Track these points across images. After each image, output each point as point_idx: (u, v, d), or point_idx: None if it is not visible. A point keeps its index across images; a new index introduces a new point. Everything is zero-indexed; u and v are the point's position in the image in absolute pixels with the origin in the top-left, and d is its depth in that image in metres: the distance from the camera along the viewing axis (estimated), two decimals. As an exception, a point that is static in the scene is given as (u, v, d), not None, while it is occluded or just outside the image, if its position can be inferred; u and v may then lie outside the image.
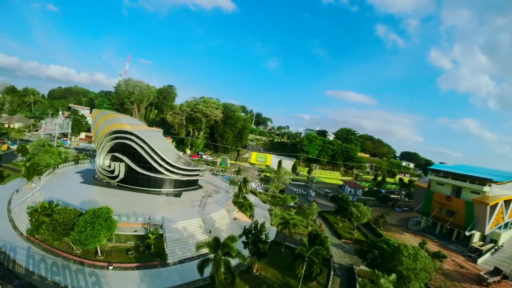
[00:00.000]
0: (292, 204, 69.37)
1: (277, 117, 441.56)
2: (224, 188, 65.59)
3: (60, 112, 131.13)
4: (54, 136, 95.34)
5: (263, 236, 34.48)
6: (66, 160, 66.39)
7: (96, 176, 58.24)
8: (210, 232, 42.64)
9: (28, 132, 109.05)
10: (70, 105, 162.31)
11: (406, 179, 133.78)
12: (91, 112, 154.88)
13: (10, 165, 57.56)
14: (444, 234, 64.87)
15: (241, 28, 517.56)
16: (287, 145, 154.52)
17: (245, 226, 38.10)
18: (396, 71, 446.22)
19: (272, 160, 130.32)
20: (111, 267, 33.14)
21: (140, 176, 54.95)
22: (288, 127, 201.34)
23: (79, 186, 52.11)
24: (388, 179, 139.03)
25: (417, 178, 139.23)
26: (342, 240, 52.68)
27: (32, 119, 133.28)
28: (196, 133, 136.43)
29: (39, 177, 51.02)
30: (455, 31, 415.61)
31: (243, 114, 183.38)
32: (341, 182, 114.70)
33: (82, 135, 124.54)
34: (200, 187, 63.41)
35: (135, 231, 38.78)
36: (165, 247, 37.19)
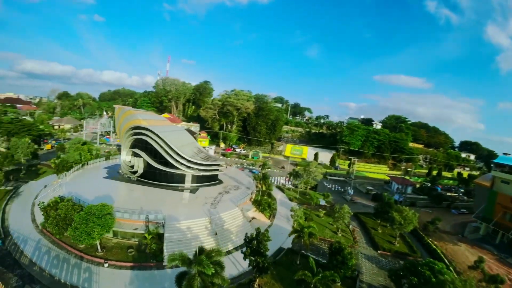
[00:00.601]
0: (323, 203, 60.87)
1: (321, 107, 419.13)
2: (247, 183, 60.95)
3: (104, 113, 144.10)
4: (98, 134, 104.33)
5: (263, 248, 28.09)
6: (98, 156, 69.94)
7: (120, 171, 59.87)
8: (216, 234, 38.41)
9: (75, 132, 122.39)
10: (114, 105, 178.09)
11: (465, 173, 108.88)
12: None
13: (49, 163, 63.05)
14: (506, 244, 49.22)
15: (278, 17, 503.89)
16: (325, 136, 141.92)
17: (245, 234, 32.20)
18: (451, 50, 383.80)
19: (308, 152, 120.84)
20: (106, 265, 32.55)
21: (157, 171, 54.30)
22: (327, 116, 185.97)
23: (100, 181, 53.75)
24: (445, 173, 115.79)
25: (478, 173, 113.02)
26: (379, 251, 42.78)
27: (81, 120, 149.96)
28: (229, 126, 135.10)
29: (65, 173, 53.91)
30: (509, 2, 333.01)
31: (279, 105, 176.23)
32: (387, 178, 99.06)
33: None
34: (220, 182, 60.11)
35: (136, 229, 37.22)
36: (163, 248, 34.55)
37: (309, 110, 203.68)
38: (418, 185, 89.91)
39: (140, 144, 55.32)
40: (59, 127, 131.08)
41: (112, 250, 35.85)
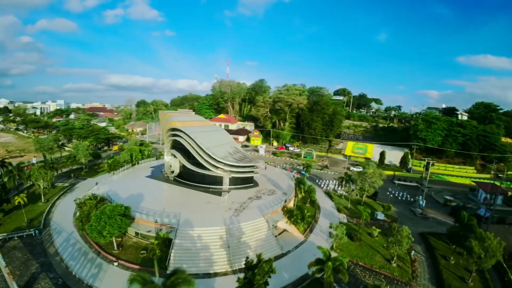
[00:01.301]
0: (382, 217, 48.35)
1: (394, 97, 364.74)
2: (286, 188, 54.01)
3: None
4: (160, 136, 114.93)
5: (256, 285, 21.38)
6: (150, 156, 75.19)
7: (162, 171, 62.23)
8: (229, 247, 33.56)
9: (142, 134, 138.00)
10: (178, 110, 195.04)
11: None
12: (195, 114, 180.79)
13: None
14: None
15: (340, 3, 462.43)
16: (396, 131, 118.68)
17: (246, 258, 25.90)
18: None
19: (374, 151, 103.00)
20: (116, 263, 32.92)
21: (191, 172, 54.10)
22: (399, 107, 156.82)
23: (140, 180, 56.96)
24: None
25: None
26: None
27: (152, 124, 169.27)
28: (281, 124, 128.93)
29: (113, 172, 59.16)
30: None
31: (340, 97, 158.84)
32: (473, 183, 73.73)
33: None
34: (256, 185, 55.57)
35: (149, 231, 36.51)
36: (171, 255, 32.47)
37: (377, 101, 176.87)
38: (510, 193, 63.77)
39: (177, 145, 56.30)
40: (132, 130, 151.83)
41: (128, 249, 36.31)
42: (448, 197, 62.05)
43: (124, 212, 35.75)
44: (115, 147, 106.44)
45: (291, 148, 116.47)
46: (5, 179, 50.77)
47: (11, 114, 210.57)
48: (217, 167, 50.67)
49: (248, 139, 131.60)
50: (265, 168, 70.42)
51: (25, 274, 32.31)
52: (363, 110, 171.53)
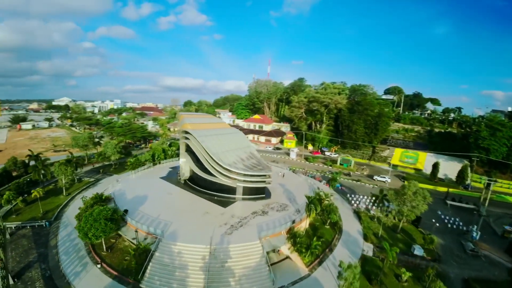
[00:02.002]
0: (420, 252, 37.68)
1: (456, 98, 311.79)
2: (302, 203, 46.82)
3: None
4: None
5: None
6: (173, 156, 75.77)
7: (177, 173, 61.31)
8: (208, 271, 28.98)
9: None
10: (216, 109, 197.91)
11: None
12: (232, 114, 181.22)
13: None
14: None
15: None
16: (455, 137, 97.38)
17: None
18: None
19: (426, 161, 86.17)
20: (99, 266, 32.67)
21: (200, 177, 51.88)
22: (459, 109, 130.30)
23: (152, 181, 57.39)
24: None
25: None
26: None
27: None
28: (317, 126, 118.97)
29: (132, 171, 62.33)
30: None
31: (391, 97, 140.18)
32: None
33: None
34: (268, 196, 49.98)
35: (134, 238, 34.92)
36: (148, 267, 30.28)
37: (434, 101, 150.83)
38: None
39: (188, 148, 54.84)
40: (174, 129, 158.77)
41: (116, 253, 35.55)
42: (508, 227, 46.40)
43: (111, 216, 35.03)
44: (150, 145, 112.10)
45: (327, 153, 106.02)
46: (32, 173, 55.32)
47: (69, 112, 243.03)
48: (223, 174, 46.73)
49: (282, 142, 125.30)
50: (283, 176, 63.87)
51: (22, 261, 35.10)
52: (416, 112, 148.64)
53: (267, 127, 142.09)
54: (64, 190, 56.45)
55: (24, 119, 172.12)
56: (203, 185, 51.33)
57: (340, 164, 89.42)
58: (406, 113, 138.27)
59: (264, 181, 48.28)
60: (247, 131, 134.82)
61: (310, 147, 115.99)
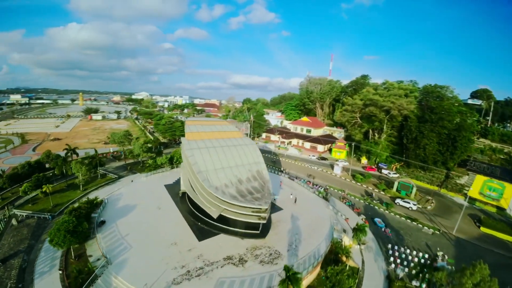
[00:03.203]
0: None
1: None
2: (308, 255, 35.26)
3: (252, 116, 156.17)
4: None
5: None
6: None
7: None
8: None
9: None
10: (265, 109, 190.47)
11: None
12: (281, 114, 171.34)
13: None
14: None
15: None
16: None
17: None
18: None
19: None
20: (60, 272, 31.98)
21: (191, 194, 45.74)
22: None
23: (153, 188, 56.17)
24: None
25: None
26: None
27: (245, 122, 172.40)
28: (376, 135, 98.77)
29: (145, 174, 64.20)
30: None
31: (478, 101, 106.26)
32: None
33: (264, 135, 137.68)
34: (262, 235, 39.04)
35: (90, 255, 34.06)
36: None
37: None
38: None
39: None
40: None
41: (83, 262, 33.95)
42: None
43: (74, 228, 33.44)
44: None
45: (385, 171, 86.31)
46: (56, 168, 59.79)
47: (140, 105, 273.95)
48: (206, 198, 39.57)
49: (330, 151, 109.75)
50: (295, 201, 52.21)
51: (14, 249, 37.85)
52: (508, 125, 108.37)
53: (316, 132, 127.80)
54: (81, 186, 59.12)
55: (96, 111, 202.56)
56: (192, 205, 45.64)
57: (397, 190, 69.74)
58: (496, 125, 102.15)
59: (257, 216, 37.42)
60: (292, 135, 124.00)
61: (364, 160, 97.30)
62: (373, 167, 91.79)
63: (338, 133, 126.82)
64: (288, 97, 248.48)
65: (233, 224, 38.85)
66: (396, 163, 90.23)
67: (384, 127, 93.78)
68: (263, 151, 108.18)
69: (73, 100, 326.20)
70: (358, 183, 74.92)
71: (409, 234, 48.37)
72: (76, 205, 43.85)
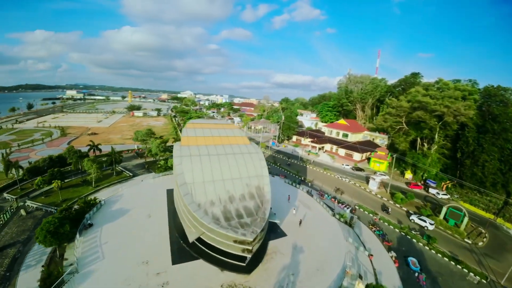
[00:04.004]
0: None
1: None
2: None
3: (283, 117, 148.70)
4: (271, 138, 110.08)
5: None
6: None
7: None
8: None
9: (257, 132, 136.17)
10: (299, 110, 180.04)
11: None
12: (316, 115, 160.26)
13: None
14: None
15: None
16: None
17: None
18: None
19: None
20: (42, 268, 32.17)
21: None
22: None
23: (156, 191, 54.95)
24: None
25: None
26: None
27: (276, 123, 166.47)
28: (424, 145, 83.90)
29: (153, 175, 64.65)
30: None
31: None
32: None
33: (295, 138, 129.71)
34: (247, 270, 32.66)
35: None
36: None
37: None
38: None
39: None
40: (254, 127, 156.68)
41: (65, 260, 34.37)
42: None
43: (56, 229, 33.59)
44: None
45: (433, 190, 72.16)
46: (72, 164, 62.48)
47: (181, 103, 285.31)
48: (186, 215, 35.51)
49: (368, 160, 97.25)
50: (299, 223, 44.86)
51: (13, 239, 39.79)
52: None
53: (354, 137, 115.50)
54: (93, 183, 60.52)
55: (138, 108, 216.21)
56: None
57: (445, 218, 56.31)
58: None
59: (241, 248, 31.42)
60: (325, 139, 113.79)
61: (408, 174, 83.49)
62: (419, 184, 77.83)
63: (381, 139, 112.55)
64: (328, 97, 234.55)
65: (216, 250, 33.75)
66: (448, 181, 74.99)
67: (436, 136, 78.73)
68: (290, 156, 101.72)
69: (123, 97, 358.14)
70: (397, 204, 62.44)
71: (449, 284, 37.19)
72: (75, 206, 44.64)
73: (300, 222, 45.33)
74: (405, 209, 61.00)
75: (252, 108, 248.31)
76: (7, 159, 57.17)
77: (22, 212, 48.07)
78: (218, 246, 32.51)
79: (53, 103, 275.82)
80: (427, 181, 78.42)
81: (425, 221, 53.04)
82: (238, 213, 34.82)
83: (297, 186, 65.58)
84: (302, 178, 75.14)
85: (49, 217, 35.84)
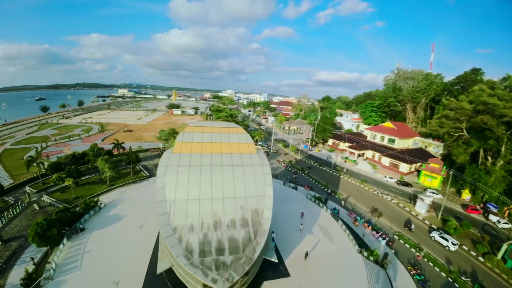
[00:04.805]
0: None
1: None
2: None
3: (319, 117, 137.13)
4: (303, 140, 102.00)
5: None
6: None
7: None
8: None
9: (292, 134, 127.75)
10: (338, 110, 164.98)
11: None
12: (358, 116, 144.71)
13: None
14: None
15: None
16: None
17: None
18: None
19: None
20: (34, 266, 32.83)
21: None
22: None
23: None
24: None
25: None
26: None
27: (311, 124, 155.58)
28: (488, 158, 67.12)
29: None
30: None
31: None
32: None
33: (331, 141, 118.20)
34: None
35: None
36: None
37: None
38: None
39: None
40: (289, 128, 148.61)
41: None
42: None
43: (44, 232, 33.65)
44: None
45: (494, 218, 56.61)
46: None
47: (219, 101, 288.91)
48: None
49: (418, 173, 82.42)
50: (305, 256, 36.37)
51: (20, 232, 41.44)
52: None
53: (402, 143, 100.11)
54: (107, 182, 60.90)
55: (178, 106, 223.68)
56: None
57: (503, 257, 42.09)
58: None
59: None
60: (366, 145, 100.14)
61: (466, 195, 67.73)
62: (478, 207, 62.17)
63: (434, 147, 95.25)
64: (374, 96, 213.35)
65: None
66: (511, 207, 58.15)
67: (503, 148, 61.91)
68: (323, 163, 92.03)
69: (168, 96, 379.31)
70: (452, 235, 48.68)
71: None
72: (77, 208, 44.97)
73: (306, 255, 37.02)
74: (428, 222, 51.29)
75: (290, 107, 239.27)
76: (39, 152, 60.47)
77: (36, 206, 49.82)
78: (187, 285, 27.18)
79: (103, 100, 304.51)
80: (487, 205, 62.30)
81: (447, 240, 45.87)
82: (220, 247, 28.10)
83: (321, 204, 54.92)
84: (329, 191, 65.61)
85: (39, 218, 35.79)
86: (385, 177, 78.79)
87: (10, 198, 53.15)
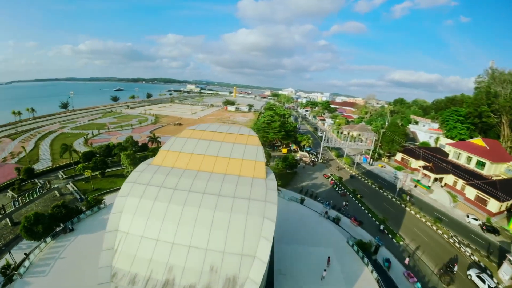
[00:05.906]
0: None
1: None
2: None
3: (387, 123, 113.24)
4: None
5: None
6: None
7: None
8: None
9: (349, 141, 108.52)
10: (412, 116, 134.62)
11: None
12: (438, 127, 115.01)
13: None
14: None
15: None
16: None
17: None
18: None
19: None
20: (24, 254, 33.19)
21: None
22: None
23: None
24: None
25: None
26: None
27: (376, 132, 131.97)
28: None
29: None
30: None
31: None
32: None
33: (400, 157, 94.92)
34: None
35: None
36: None
37: None
38: None
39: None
40: (348, 133, 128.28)
41: None
42: None
43: (31, 226, 33.35)
44: (284, 150, 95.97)
45: None
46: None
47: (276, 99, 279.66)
48: None
49: (508, 215, 58.01)
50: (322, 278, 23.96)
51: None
52: None
53: (495, 169, 73.37)
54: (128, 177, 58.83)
55: (233, 103, 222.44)
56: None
57: None
58: None
59: None
60: (447, 167, 75.39)
61: None
62: None
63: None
64: (459, 102, 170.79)
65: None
66: None
67: None
68: (384, 185, 70.48)
69: (230, 92, 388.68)
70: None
71: None
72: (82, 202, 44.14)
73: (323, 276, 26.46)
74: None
75: (353, 109, 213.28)
76: (88, 139, 60.68)
77: (57, 192, 50.08)
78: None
79: (170, 94, 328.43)
80: None
81: (484, 282, 35.60)
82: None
83: (365, 258, 36.11)
84: (383, 227, 47.90)
85: (30, 212, 35.74)
86: (467, 216, 56.03)
87: (40, 181, 55.57)
